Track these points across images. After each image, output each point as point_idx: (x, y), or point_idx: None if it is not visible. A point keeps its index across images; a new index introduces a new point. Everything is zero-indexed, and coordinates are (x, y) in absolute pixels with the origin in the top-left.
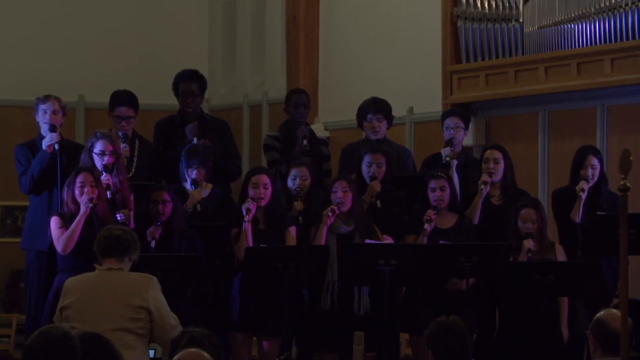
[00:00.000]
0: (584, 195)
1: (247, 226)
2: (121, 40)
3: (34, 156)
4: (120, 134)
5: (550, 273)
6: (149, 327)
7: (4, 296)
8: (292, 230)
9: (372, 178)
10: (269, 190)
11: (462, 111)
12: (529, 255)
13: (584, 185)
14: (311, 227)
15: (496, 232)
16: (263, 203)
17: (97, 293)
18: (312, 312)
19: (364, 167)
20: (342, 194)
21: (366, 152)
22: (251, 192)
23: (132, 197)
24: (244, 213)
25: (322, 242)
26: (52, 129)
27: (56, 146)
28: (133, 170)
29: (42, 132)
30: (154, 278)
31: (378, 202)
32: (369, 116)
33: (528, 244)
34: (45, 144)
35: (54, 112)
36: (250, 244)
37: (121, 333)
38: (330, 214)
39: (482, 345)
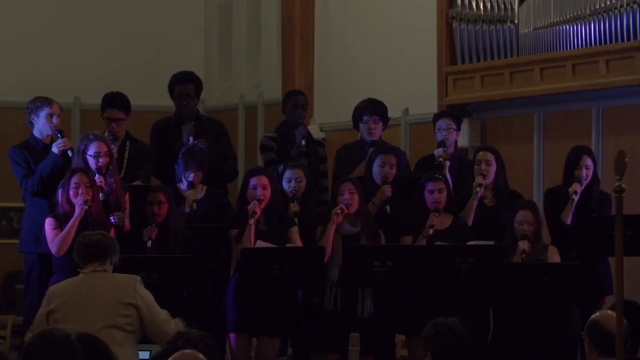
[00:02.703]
0: (576, 198)
1: (252, 227)
2: (117, 41)
3: (32, 157)
4: (110, 135)
5: (546, 275)
6: (138, 325)
7: None
8: (295, 229)
9: (385, 180)
10: (269, 191)
11: (453, 112)
12: (524, 256)
13: (577, 188)
14: (308, 228)
15: (489, 233)
16: (264, 204)
17: (85, 294)
18: (308, 313)
19: (375, 168)
20: (349, 196)
21: (378, 154)
22: (251, 193)
23: (127, 197)
24: (250, 214)
25: (330, 241)
26: (62, 133)
27: (69, 152)
28: (123, 171)
29: (36, 133)
30: (138, 277)
31: (388, 208)
32: (365, 117)
33: (523, 245)
34: (57, 147)
35: (58, 116)
36: (253, 244)
37: (111, 330)
38: (339, 211)
39: (477, 347)
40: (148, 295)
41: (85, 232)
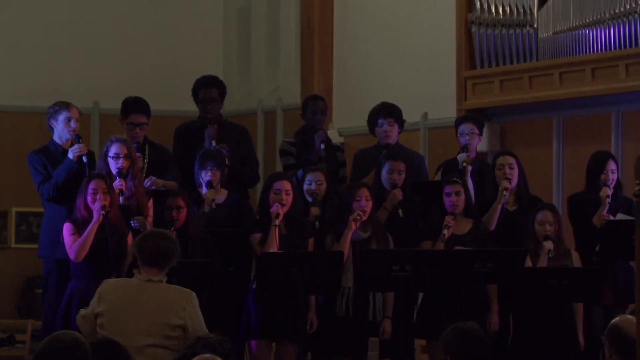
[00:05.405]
0: (608, 202)
1: (275, 230)
2: (136, 46)
3: (50, 162)
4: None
5: (565, 279)
6: (184, 343)
7: (19, 302)
8: (311, 242)
9: (394, 186)
10: (291, 196)
11: (476, 117)
12: (550, 256)
13: (608, 192)
14: (327, 234)
15: (511, 238)
16: (286, 209)
17: (134, 305)
18: (326, 318)
19: (384, 174)
20: (365, 202)
21: (387, 160)
22: (273, 198)
23: (150, 203)
24: (273, 217)
25: (347, 247)
26: (79, 138)
27: (84, 158)
28: (143, 175)
29: (56, 139)
30: (192, 294)
31: (400, 211)
32: (380, 121)
33: (548, 245)
34: (72, 152)
35: (77, 120)
36: (276, 248)
37: (156, 349)
38: (358, 217)
39: (496, 352)
40: (197, 316)
41: (152, 230)
